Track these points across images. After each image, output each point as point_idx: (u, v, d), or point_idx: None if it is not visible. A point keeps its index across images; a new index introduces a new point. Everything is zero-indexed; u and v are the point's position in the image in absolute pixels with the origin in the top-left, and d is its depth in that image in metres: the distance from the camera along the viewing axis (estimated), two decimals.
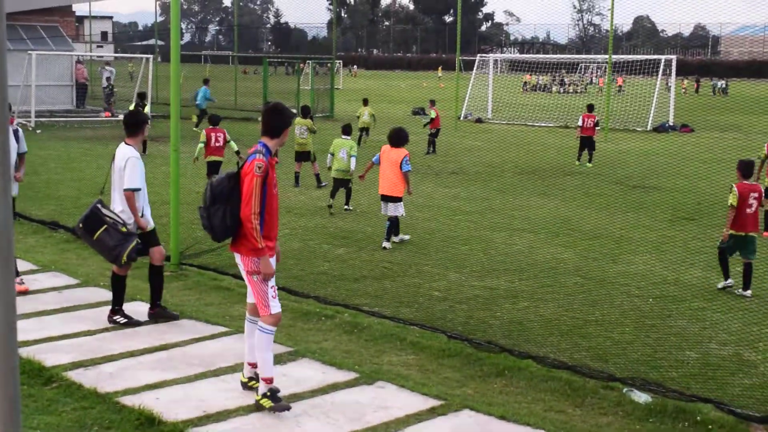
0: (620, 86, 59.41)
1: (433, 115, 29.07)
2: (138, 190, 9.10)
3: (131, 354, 8.31)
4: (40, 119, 33.41)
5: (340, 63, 71.12)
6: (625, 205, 18.10)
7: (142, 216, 9.26)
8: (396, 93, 59.15)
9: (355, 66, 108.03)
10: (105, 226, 8.93)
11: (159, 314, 9.48)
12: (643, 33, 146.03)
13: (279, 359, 8.26)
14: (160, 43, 60.70)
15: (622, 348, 8.94)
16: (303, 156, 20.50)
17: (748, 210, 11.77)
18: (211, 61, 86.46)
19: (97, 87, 44.44)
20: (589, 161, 25.61)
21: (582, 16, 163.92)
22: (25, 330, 8.65)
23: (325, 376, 7.86)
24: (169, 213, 12.39)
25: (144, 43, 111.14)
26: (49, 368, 7.73)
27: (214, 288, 10.90)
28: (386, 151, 14.12)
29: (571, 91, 69.59)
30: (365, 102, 31.63)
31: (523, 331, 9.41)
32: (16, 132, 10.52)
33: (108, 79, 39.52)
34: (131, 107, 28.79)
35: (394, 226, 13.88)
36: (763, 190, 12.29)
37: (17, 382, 3.80)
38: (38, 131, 30.85)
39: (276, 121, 7.20)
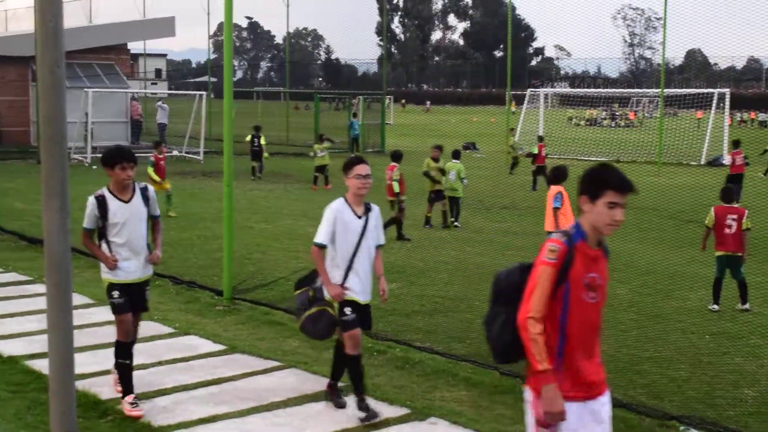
0: (699, 119, 57.42)
1: (535, 151, 30.05)
2: (321, 246, 7.61)
3: (184, 388, 8.35)
4: (97, 155, 33.94)
5: (390, 98, 71.48)
6: (679, 240, 17.88)
7: (346, 286, 7.61)
8: (446, 128, 59.24)
9: (428, 102, 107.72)
10: (306, 287, 7.85)
11: (361, 407, 7.66)
12: (695, 66, 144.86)
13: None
14: (212, 79, 61.49)
15: (678, 385, 8.80)
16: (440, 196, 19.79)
17: (726, 230, 12.84)
18: (263, 97, 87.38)
19: (151, 123, 45.12)
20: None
21: (633, 49, 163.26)
22: (80, 363, 8.66)
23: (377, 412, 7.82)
24: (222, 247, 12.45)
25: (197, 80, 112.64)
26: (104, 401, 7.80)
27: (267, 322, 10.93)
28: (550, 190, 14.22)
29: (622, 125, 69.17)
30: (511, 131, 33.26)
31: None
32: (144, 190, 7.86)
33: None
34: (247, 139, 30.07)
35: None
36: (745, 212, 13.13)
37: (74, 414, 3.85)
38: (94, 167, 31.34)
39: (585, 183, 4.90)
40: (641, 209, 22.88)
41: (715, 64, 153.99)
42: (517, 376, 8.74)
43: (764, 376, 9.25)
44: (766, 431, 7.58)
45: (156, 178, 19.74)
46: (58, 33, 3.73)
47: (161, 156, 20.60)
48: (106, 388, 8.17)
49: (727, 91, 44.12)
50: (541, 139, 31.42)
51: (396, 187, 17.88)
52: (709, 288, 13.64)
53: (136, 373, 8.78)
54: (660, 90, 37.99)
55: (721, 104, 43.38)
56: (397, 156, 18.70)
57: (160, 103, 42.32)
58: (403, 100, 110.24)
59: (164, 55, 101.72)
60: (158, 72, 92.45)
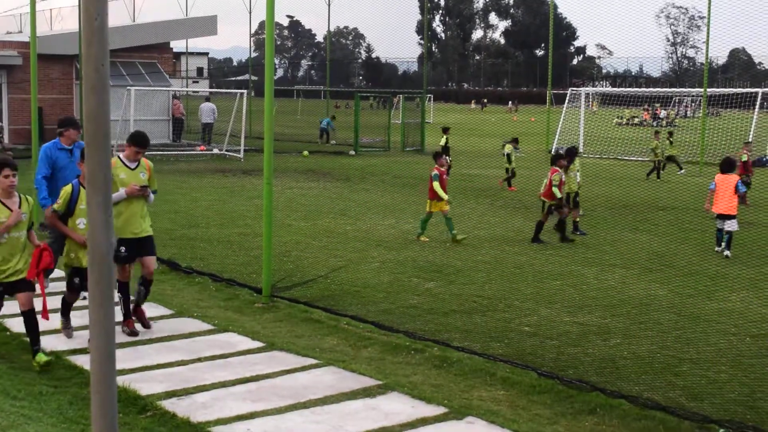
0: None
1: (744, 158, 26.18)
2: None
3: (223, 384, 8.42)
4: None
5: (430, 96, 71.44)
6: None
7: None
8: (486, 127, 59.08)
9: (510, 102, 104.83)
10: None
11: None
12: (739, 66, 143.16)
13: (368, 392, 8.29)
14: (253, 78, 61.80)
15: (718, 387, 8.72)
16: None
17: None
18: (303, 95, 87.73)
19: (193, 121, 45.44)
20: None
21: (676, 49, 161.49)
22: (120, 359, 8.81)
23: (414, 411, 7.84)
24: (261, 245, 12.52)
25: (238, 78, 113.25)
26: (144, 397, 7.88)
27: (305, 320, 10.99)
28: (719, 178, 16.98)
29: (665, 125, 68.51)
30: (656, 135, 33.65)
31: (615, 368, 9.25)
32: None
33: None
34: (442, 142, 31.14)
35: (731, 239, 16.51)
36: None
37: (115, 409, 3.90)
38: None
39: None
40: (682, 209, 22.70)
41: (760, 63, 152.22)
42: (556, 378, 8.71)
43: None
44: None
45: (444, 195, 17.01)
46: (103, 31, 3.77)
47: (444, 168, 17.78)
48: (145, 384, 8.25)
49: None
50: (747, 144, 28.61)
51: (557, 193, 17.59)
52: (751, 289, 13.52)
53: (175, 370, 8.88)
54: (703, 89, 37.57)
55: (765, 104, 42.80)
56: (559, 157, 18.31)
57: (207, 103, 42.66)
58: (485, 100, 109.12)
59: (206, 54, 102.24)
60: (200, 70, 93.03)
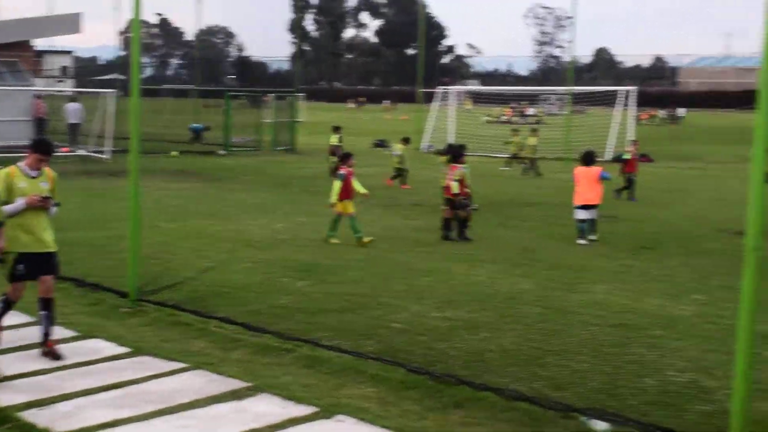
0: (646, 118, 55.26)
1: (627, 156, 26.32)
2: None
3: (87, 392, 8.19)
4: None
5: (302, 95, 71.26)
6: None
7: None
8: (358, 125, 59.31)
9: (388, 101, 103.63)
10: None
11: None
12: (603, 65, 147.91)
13: (237, 395, 8.21)
14: (121, 77, 60.44)
15: (580, 376, 8.96)
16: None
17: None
18: (173, 94, 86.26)
19: (57, 122, 44.09)
20: None
21: (542, 48, 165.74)
22: None
23: (284, 411, 7.81)
24: (127, 248, 12.23)
25: (105, 77, 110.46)
26: (1, 409, 7.60)
27: (173, 324, 10.79)
28: (582, 170, 18.05)
29: (532, 122, 70.08)
30: (534, 132, 35.33)
31: (482, 361, 9.41)
32: None
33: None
34: (334, 141, 30.82)
35: (594, 227, 17.76)
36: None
37: None
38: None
39: None
40: (549, 205, 23.29)
41: (621, 62, 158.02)
42: (425, 373, 8.80)
43: (665, 365, 9.47)
44: (666, 419, 7.76)
45: (333, 198, 16.88)
46: None
47: (352, 169, 17.43)
48: (4, 395, 7.97)
49: (633, 88, 45.06)
50: (634, 142, 28.52)
51: (454, 188, 17.70)
52: (613, 281, 13.97)
53: (36, 379, 8.61)
54: (569, 88, 38.60)
55: (628, 101, 44.23)
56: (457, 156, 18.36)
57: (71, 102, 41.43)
58: (363, 99, 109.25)
59: (70, 52, 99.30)
60: (64, 69, 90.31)
